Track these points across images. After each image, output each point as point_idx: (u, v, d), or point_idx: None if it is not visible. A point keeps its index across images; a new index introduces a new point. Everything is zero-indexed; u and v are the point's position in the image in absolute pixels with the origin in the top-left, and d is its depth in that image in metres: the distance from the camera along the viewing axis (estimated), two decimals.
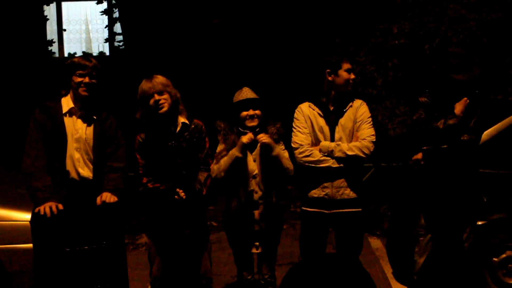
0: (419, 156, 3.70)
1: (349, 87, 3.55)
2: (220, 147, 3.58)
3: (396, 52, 6.21)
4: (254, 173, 3.53)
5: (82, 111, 3.46)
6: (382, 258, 5.29)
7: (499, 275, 4.13)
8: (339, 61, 3.51)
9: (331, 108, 3.57)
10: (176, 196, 3.42)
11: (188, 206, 3.46)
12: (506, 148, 4.13)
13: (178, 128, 3.52)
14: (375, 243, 5.89)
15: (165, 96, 3.42)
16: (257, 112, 3.52)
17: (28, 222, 3.86)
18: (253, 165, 3.54)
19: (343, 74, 3.51)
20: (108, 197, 3.35)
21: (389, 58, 6.25)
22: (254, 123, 3.52)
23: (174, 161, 3.46)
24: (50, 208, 3.18)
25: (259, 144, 3.52)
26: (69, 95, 3.48)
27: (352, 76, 3.53)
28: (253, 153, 3.55)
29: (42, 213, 3.17)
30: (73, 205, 3.29)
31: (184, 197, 3.42)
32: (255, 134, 3.51)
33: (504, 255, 4.12)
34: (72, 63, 3.40)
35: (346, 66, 3.52)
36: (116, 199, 3.37)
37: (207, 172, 3.56)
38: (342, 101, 3.57)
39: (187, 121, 3.55)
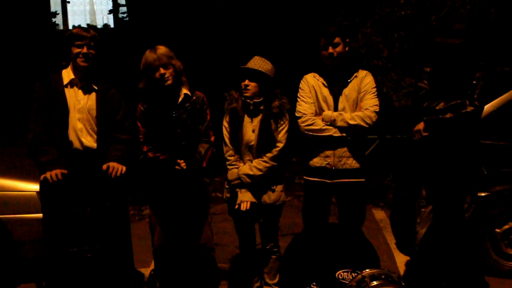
0: (421, 126, 3.68)
1: (328, 61, 3.50)
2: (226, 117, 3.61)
3: (402, 23, 6.12)
4: (251, 144, 3.55)
5: (83, 82, 3.49)
6: (385, 229, 5.34)
7: (501, 246, 4.18)
8: (320, 34, 3.47)
9: (335, 78, 3.55)
10: (177, 167, 3.45)
11: (188, 177, 3.50)
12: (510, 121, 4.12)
13: (180, 99, 3.51)
14: (379, 214, 5.94)
15: (170, 69, 3.41)
16: (252, 84, 3.49)
17: (35, 193, 3.94)
18: (250, 135, 3.54)
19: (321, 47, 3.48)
20: (116, 167, 3.40)
21: (396, 30, 6.17)
22: (247, 93, 3.50)
23: (174, 131, 3.47)
24: (56, 174, 3.28)
25: (260, 116, 3.53)
26: (69, 67, 3.51)
27: (330, 51, 3.46)
28: (253, 124, 3.56)
29: (49, 178, 3.26)
30: (78, 171, 3.37)
31: (184, 167, 3.44)
32: (255, 105, 3.52)
33: (506, 226, 4.16)
34: (71, 34, 3.44)
35: (323, 40, 3.47)
36: (124, 168, 3.43)
37: (207, 144, 3.57)
38: (344, 72, 3.55)
39: (189, 93, 3.54)
